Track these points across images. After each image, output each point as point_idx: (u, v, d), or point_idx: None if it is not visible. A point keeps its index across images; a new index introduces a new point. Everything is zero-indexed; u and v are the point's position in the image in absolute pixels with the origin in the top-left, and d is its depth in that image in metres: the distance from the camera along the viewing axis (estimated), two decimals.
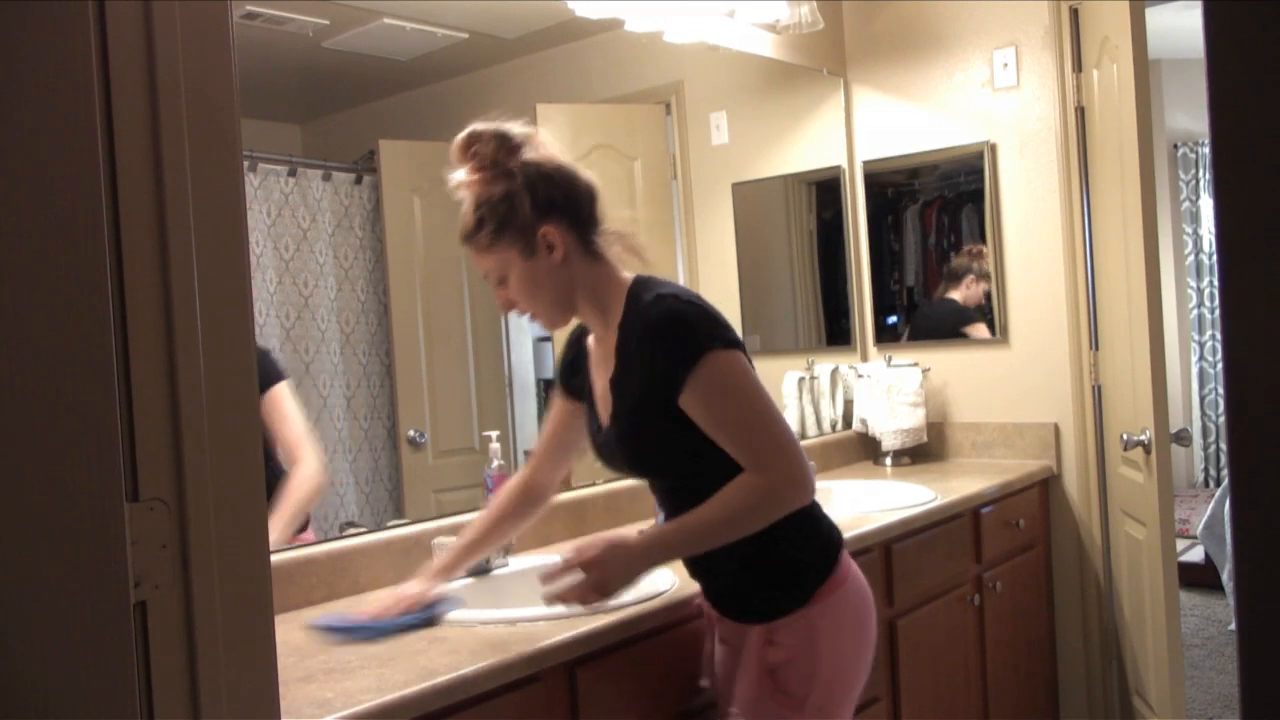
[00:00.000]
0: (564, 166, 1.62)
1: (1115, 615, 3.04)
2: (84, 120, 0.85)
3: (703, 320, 1.55)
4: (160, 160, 0.90)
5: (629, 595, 1.75)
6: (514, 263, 1.60)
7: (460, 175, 1.61)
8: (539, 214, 1.57)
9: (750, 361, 1.60)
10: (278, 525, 1.97)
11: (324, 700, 1.41)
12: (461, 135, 1.60)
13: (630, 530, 1.67)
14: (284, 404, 2.04)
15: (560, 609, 1.67)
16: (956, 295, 3.34)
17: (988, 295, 3.26)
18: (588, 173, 1.66)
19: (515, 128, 1.61)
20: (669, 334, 1.53)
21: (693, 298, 1.59)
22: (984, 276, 3.27)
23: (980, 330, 3.33)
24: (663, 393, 1.54)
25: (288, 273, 2.28)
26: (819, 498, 1.69)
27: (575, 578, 1.55)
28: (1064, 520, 3.15)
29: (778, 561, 1.64)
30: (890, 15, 3.38)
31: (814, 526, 1.68)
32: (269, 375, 2.04)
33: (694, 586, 1.82)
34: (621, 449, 1.64)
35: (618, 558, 1.55)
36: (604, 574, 1.54)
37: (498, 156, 1.58)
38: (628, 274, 1.67)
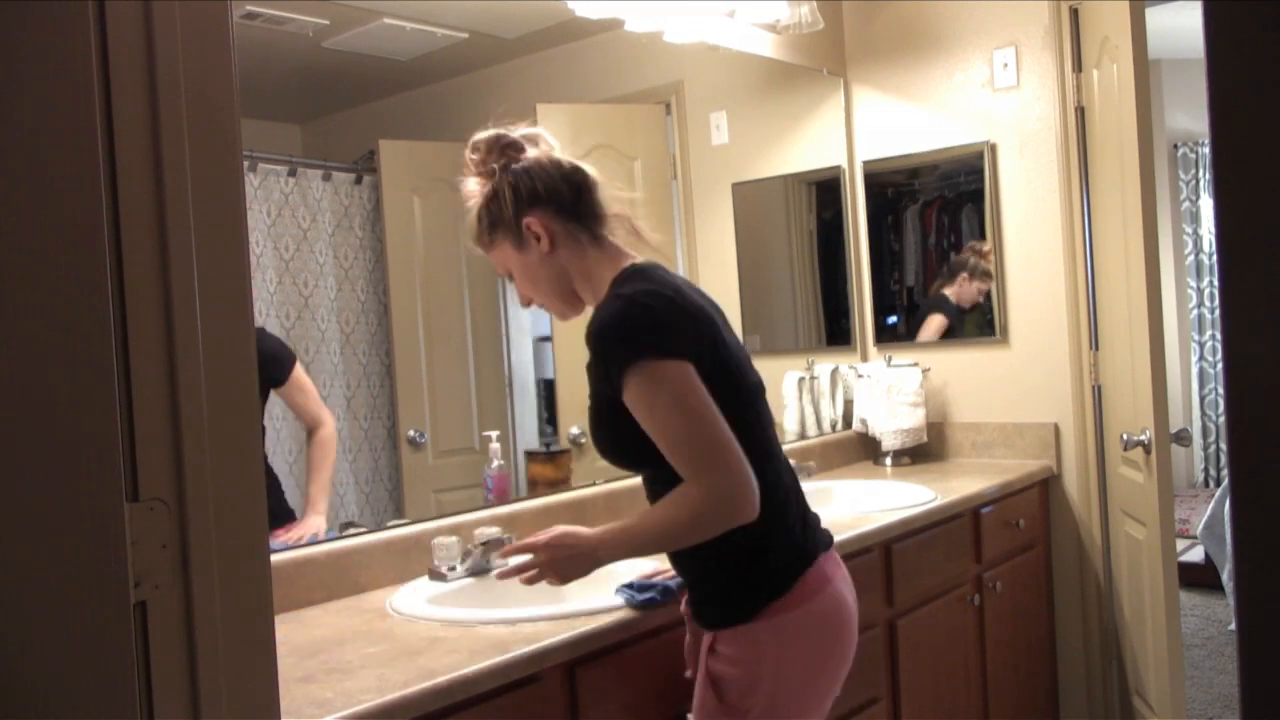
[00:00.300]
0: (554, 159, 1.67)
1: (1115, 615, 3.04)
2: (84, 120, 0.85)
3: (642, 327, 1.52)
4: (160, 160, 0.90)
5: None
6: (511, 256, 1.68)
7: (467, 185, 1.72)
8: (522, 206, 1.64)
9: (714, 359, 1.56)
10: (325, 488, 2.19)
11: (324, 700, 1.41)
12: (468, 146, 1.70)
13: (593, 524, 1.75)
14: (304, 380, 2.21)
15: (560, 609, 1.74)
16: (949, 291, 3.34)
17: (987, 295, 3.25)
18: (586, 165, 1.69)
19: (511, 131, 1.68)
20: (607, 337, 1.54)
21: (650, 299, 1.55)
22: (980, 275, 3.27)
23: (933, 322, 3.35)
24: (610, 392, 1.56)
25: (288, 273, 2.28)
26: (818, 500, 1.66)
27: (530, 560, 1.65)
28: (1064, 520, 3.15)
29: (723, 574, 1.60)
30: (890, 15, 3.38)
31: (769, 542, 1.59)
32: (287, 359, 2.19)
33: None
34: (593, 437, 1.67)
35: (570, 552, 1.62)
36: (554, 564, 1.62)
37: (488, 159, 1.68)
38: (630, 260, 1.68)
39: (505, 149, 1.67)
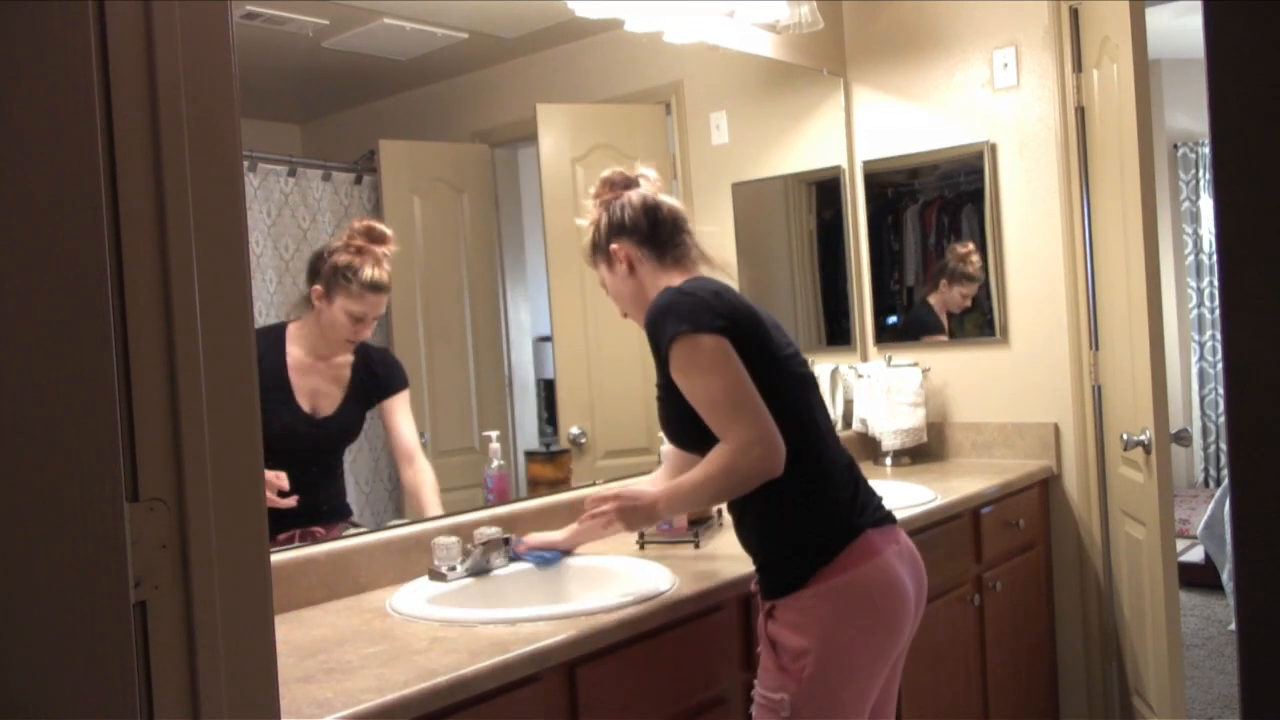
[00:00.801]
0: (648, 197, 1.98)
1: (1115, 615, 3.04)
2: (84, 120, 0.85)
3: (679, 309, 1.78)
4: (160, 160, 0.90)
5: (629, 595, 1.83)
6: (605, 275, 2.00)
7: (590, 212, 2.03)
8: (612, 235, 1.96)
9: (749, 338, 1.78)
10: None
11: (324, 700, 1.41)
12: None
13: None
14: (406, 405, 2.32)
15: (560, 609, 1.78)
16: (934, 299, 3.36)
17: (985, 295, 3.25)
18: (673, 202, 2.00)
19: (625, 172, 2.01)
20: (652, 325, 1.82)
21: (695, 288, 1.82)
22: (961, 279, 3.27)
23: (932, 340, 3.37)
24: (664, 372, 1.81)
25: (288, 273, 2.28)
26: (849, 481, 1.81)
27: (602, 509, 1.95)
28: (1064, 520, 3.15)
29: (776, 541, 1.78)
30: (890, 15, 3.38)
31: (815, 510, 1.76)
32: (399, 379, 2.32)
33: (694, 587, 1.89)
34: (661, 422, 1.92)
35: (635, 503, 1.90)
36: (622, 512, 1.91)
37: (602, 193, 2.01)
38: (686, 276, 1.93)
39: (613, 186, 2.00)
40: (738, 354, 1.75)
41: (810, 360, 3.34)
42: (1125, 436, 2.68)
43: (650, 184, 2.02)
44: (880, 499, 1.88)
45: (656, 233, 1.96)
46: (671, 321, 1.77)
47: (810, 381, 1.91)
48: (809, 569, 1.72)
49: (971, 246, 3.26)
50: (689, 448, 1.89)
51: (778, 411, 1.74)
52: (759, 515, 1.80)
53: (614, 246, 1.96)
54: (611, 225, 1.97)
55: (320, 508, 2.15)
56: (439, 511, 2.27)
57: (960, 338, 3.34)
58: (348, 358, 2.22)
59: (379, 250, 2.17)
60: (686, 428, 1.82)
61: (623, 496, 1.92)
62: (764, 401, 1.73)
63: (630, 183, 2.01)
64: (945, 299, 3.33)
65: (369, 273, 2.15)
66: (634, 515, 1.91)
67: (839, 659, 1.71)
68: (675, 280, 1.90)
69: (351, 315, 2.16)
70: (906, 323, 3.45)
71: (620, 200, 1.98)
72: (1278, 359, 0.59)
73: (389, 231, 2.20)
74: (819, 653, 1.69)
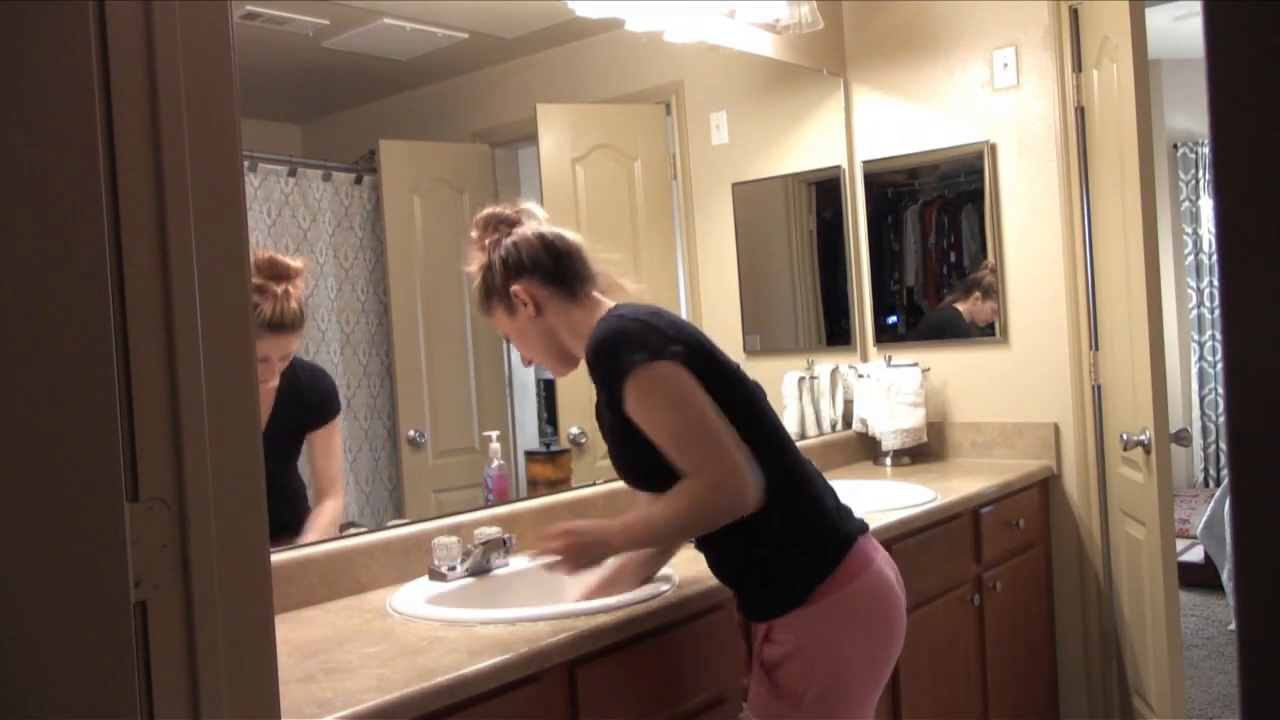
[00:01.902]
0: (539, 232, 1.82)
1: (1115, 615, 3.04)
2: (84, 120, 0.85)
3: (630, 336, 1.64)
4: (160, 160, 0.90)
5: (629, 595, 1.82)
6: (505, 322, 1.84)
7: (474, 258, 1.87)
8: (510, 276, 1.80)
9: (706, 358, 1.67)
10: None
11: (324, 700, 1.41)
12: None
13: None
14: (335, 438, 2.18)
15: (560, 609, 1.76)
16: (962, 307, 3.34)
17: (996, 313, 3.25)
18: (569, 234, 1.85)
19: (504, 209, 1.86)
20: (601, 355, 1.67)
21: (634, 313, 1.69)
22: (994, 295, 3.26)
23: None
24: (619, 414, 1.67)
25: None
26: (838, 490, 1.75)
27: (548, 548, 1.73)
28: (1064, 520, 3.15)
29: (769, 561, 1.69)
30: (890, 15, 3.38)
31: (809, 525, 1.69)
32: (333, 406, 2.19)
33: (694, 587, 1.87)
34: (615, 462, 1.79)
35: (585, 539, 1.70)
36: (569, 549, 1.69)
37: (484, 235, 1.84)
38: (609, 307, 1.80)
39: (499, 225, 1.83)
40: (697, 379, 1.63)
41: (811, 361, 3.37)
42: (1125, 436, 2.68)
43: (535, 220, 1.87)
44: (849, 506, 1.81)
45: (561, 267, 1.80)
46: (624, 351, 1.62)
47: (763, 392, 1.79)
48: (810, 583, 1.65)
49: (992, 255, 3.25)
50: (652, 488, 1.74)
51: (750, 429, 1.66)
52: (754, 537, 1.67)
53: (515, 288, 1.79)
54: (508, 266, 1.79)
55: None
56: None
57: (964, 336, 3.34)
58: (273, 384, 2.06)
59: (281, 287, 1.98)
60: (647, 467, 1.68)
61: (573, 533, 1.71)
62: (733, 424, 1.64)
63: (514, 221, 1.85)
64: (974, 310, 3.32)
65: (268, 311, 1.95)
66: (584, 556, 1.70)
67: (847, 674, 1.65)
68: (592, 317, 1.76)
69: None
70: (934, 322, 3.42)
71: (510, 239, 1.81)
72: (1278, 359, 0.59)
73: (296, 264, 2.03)
74: (824, 673, 1.64)
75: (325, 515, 2.13)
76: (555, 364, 1.85)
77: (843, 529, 1.71)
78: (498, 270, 1.80)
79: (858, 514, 1.81)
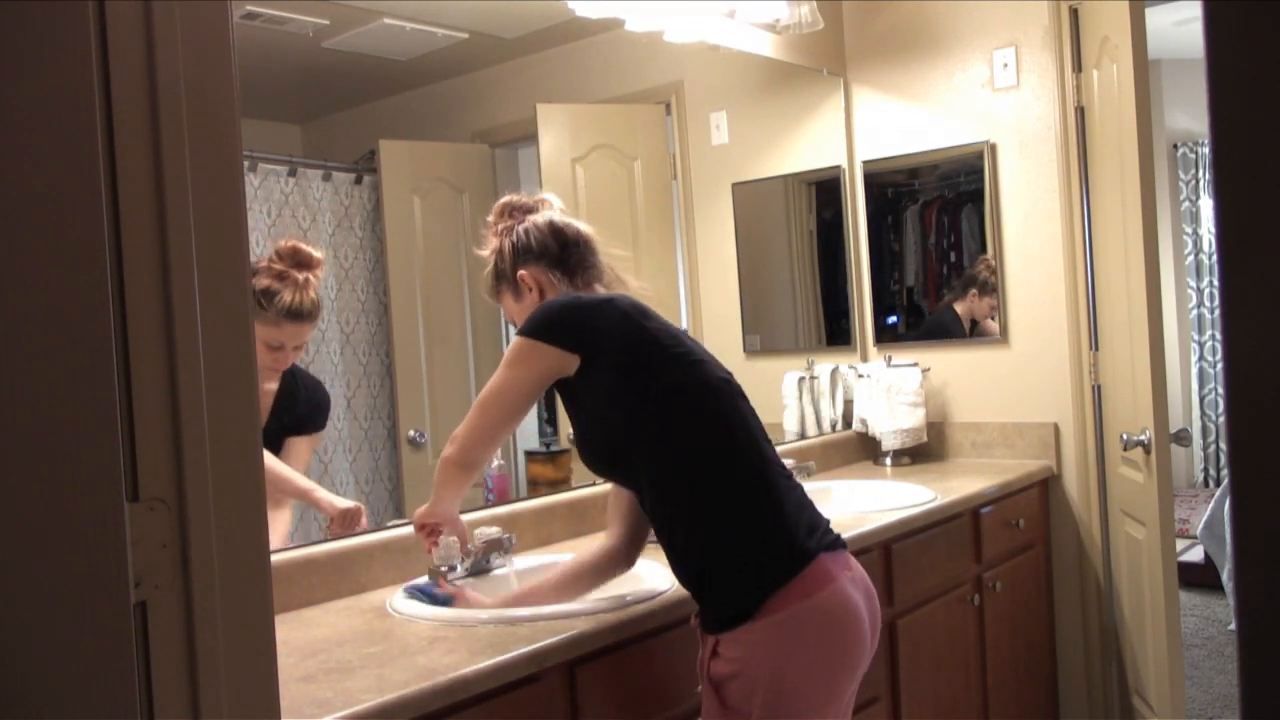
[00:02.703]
0: (550, 219, 1.88)
1: (1115, 615, 3.04)
2: (84, 120, 0.85)
3: (546, 315, 1.73)
4: (160, 160, 0.90)
5: (629, 596, 1.81)
6: (511, 305, 1.89)
7: (488, 243, 1.93)
8: (518, 261, 1.86)
9: (640, 359, 1.68)
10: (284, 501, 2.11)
11: (324, 700, 1.41)
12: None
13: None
14: (307, 452, 2.18)
15: (560, 609, 1.76)
16: (960, 306, 3.34)
17: (995, 310, 3.25)
18: (580, 225, 1.90)
19: (525, 198, 1.92)
20: (529, 318, 1.75)
21: (568, 299, 1.76)
22: (991, 291, 3.25)
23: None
24: (567, 392, 1.77)
25: None
26: (818, 500, 1.70)
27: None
28: (1064, 520, 3.15)
29: (715, 573, 1.62)
30: (890, 15, 3.38)
31: (759, 538, 1.62)
32: (322, 419, 2.22)
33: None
34: (581, 456, 1.82)
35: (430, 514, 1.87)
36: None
37: (499, 221, 1.91)
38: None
39: (514, 212, 1.89)
40: (605, 368, 1.66)
41: (811, 361, 3.37)
42: (1125, 436, 2.68)
43: (552, 209, 1.92)
44: (829, 521, 1.73)
45: (567, 255, 1.85)
46: (532, 321, 1.72)
47: (734, 389, 1.74)
48: (758, 597, 1.57)
49: (992, 252, 3.26)
50: (617, 479, 1.80)
51: (693, 436, 1.65)
52: (697, 549, 1.63)
53: (522, 273, 1.84)
54: (517, 251, 1.85)
55: None
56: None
57: (960, 338, 3.34)
58: (272, 386, 2.07)
59: (302, 275, 2.01)
60: (607, 457, 1.73)
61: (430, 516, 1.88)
62: (676, 410, 1.65)
63: (530, 209, 1.90)
64: (973, 308, 3.31)
65: (288, 298, 1.98)
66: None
67: (791, 699, 1.56)
68: None
69: (267, 344, 2.00)
70: (931, 325, 3.43)
71: (523, 225, 1.87)
72: (1278, 359, 0.59)
73: (318, 254, 2.06)
74: (769, 690, 1.55)
75: (279, 529, 2.08)
76: None
77: (798, 544, 1.61)
78: (507, 255, 1.86)
79: (859, 512, 1.79)
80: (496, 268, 1.89)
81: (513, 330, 1.87)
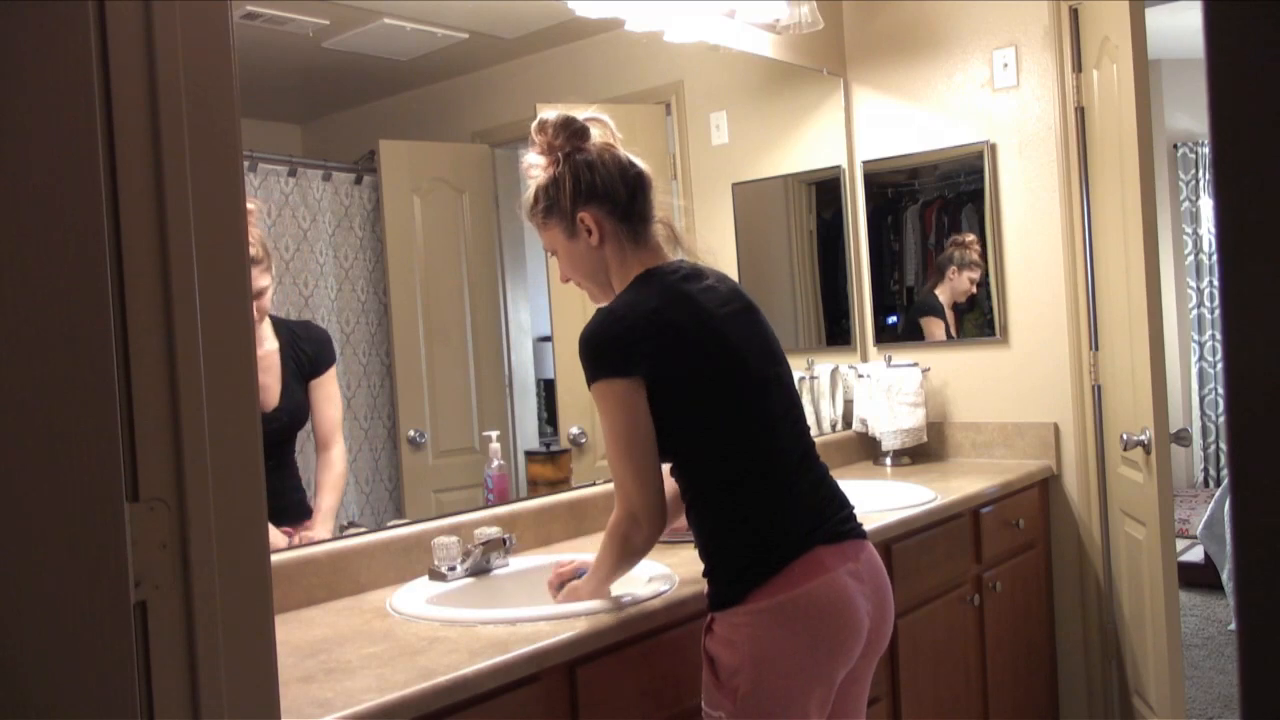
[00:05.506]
0: (615, 155, 1.73)
1: (1115, 615, 3.04)
2: (84, 120, 0.85)
3: (602, 345, 1.64)
4: (160, 160, 0.90)
5: (629, 596, 1.82)
6: (560, 241, 1.75)
7: (529, 158, 1.76)
8: (580, 199, 1.70)
9: (678, 357, 1.64)
10: (329, 516, 2.15)
11: (324, 700, 1.41)
12: (534, 122, 1.74)
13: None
14: (332, 385, 2.19)
15: (560, 609, 1.78)
16: (941, 291, 3.35)
17: (985, 291, 3.25)
18: (643, 164, 1.76)
19: (579, 115, 1.73)
20: (581, 355, 1.67)
21: (626, 311, 1.65)
22: (969, 265, 3.27)
23: (935, 326, 3.35)
24: None
25: (288, 273, 2.28)
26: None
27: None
28: (1064, 520, 3.15)
29: (718, 553, 1.67)
30: (890, 15, 3.38)
31: (755, 527, 1.64)
32: (328, 356, 2.20)
33: (694, 587, 1.86)
34: None
35: (576, 594, 1.81)
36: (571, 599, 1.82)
37: (554, 143, 1.72)
38: (659, 262, 1.75)
39: (573, 134, 1.71)
40: (663, 380, 1.62)
41: (811, 361, 3.37)
42: (1125, 436, 2.68)
43: (608, 135, 1.75)
44: (850, 511, 1.75)
45: (634, 204, 1.72)
46: (593, 360, 1.64)
47: (771, 386, 1.72)
48: (745, 586, 1.61)
49: (972, 237, 3.27)
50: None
51: (701, 439, 1.66)
52: (704, 529, 1.69)
53: (583, 214, 1.70)
54: (580, 188, 1.69)
55: (284, 507, 2.08)
56: (333, 505, 2.18)
57: (960, 338, 3.34)
58: (273, 345, 2.10)
59: None
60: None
61: (567, 592, 1.84)
62: (703, 422, 1.65)
63: (585, 133, 1.72)
64: (954, 287, 3.32)
65: None
66: (576, 598, 1.81)
67: (773, 680, 1.59)
68: (638, 263, 1.72)
69: None
70: (909, 320, 3.44)
71: (588, 156, 1.71)
72: (1278, 359, 0.59)
73: (249, 205, 2.03)
74: (751, 672, 1.59)
75: (333, 471, 2.16)
76: (596, 291, 1.79)
77: (799, 533, 1.63)
78: (567, 189, 1.70)
79: (858, 512, 1.79)
80: (550, 197, 1.72)
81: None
